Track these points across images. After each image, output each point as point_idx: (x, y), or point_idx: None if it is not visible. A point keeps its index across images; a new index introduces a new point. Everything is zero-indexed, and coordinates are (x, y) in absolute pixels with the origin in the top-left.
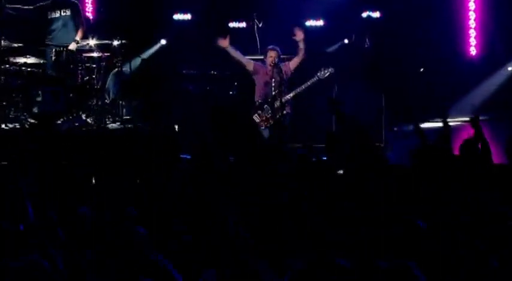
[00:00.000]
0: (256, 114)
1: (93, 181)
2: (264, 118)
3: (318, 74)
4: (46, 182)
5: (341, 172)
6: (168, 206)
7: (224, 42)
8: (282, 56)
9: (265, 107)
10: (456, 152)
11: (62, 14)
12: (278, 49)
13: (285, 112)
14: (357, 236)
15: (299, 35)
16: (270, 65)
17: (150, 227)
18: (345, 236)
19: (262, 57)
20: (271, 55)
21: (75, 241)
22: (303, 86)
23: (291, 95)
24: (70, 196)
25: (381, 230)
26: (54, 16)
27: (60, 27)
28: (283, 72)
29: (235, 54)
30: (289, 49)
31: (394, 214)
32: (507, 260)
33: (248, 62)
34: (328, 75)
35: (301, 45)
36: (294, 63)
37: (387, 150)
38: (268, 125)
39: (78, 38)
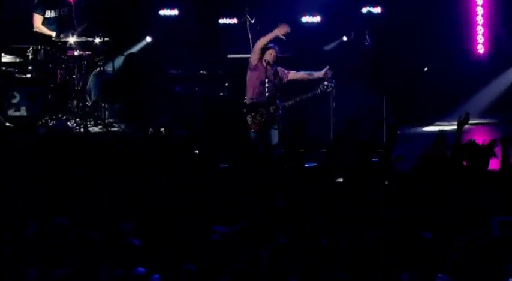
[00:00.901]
0: (249, 116)
1: (79, 188)
2: (257, 121)
3: (321, 87)
4: (25, 189)
5: (340, 180)
6: (164, 211)
7: (285, 29)
8: (279, 55)
9: (260, 110)
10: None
11: (62, 13)
12: (277, 48)
13: (278, 117)
14: (357, 236)
15: (326, 74)
16: (269, 64)
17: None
18: (345, 236)
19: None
20: (271, 53)
21: (50, 254)
22: (303, 97)
23: (290, 103)
24: (52, 204)
25: (381, 230)
26: (50, 15)
27: (56, 27)
28: (279, 77)
29: (270, 36)
30: (284, 47)
31: (394, 215)
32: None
33: (260, 56)
34: (330, 90)
35: (315, 76)
36: (292, 76)
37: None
38: (259, 129)
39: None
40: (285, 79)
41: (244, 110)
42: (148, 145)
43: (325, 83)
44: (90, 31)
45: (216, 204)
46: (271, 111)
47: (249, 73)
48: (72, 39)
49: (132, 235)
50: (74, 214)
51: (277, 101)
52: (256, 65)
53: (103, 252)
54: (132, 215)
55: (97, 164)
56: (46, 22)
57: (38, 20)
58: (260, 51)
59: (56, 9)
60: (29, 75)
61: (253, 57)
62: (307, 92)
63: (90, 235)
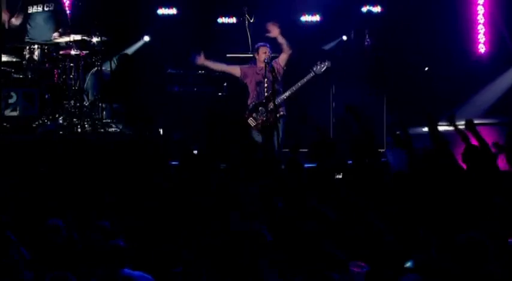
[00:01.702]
0: (251, 118)
1: (75, 190)
2: (259, 121)
3: (314, 69)
4: (21, 190)
5: (339, 176)
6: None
7: (200, 60)
8: (272, 55)
9: (260, 109)
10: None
11: (45, 9)
12: (268, 46)
13: (279, 114)
14: (357, 236)
15: (273, 31)
16: (263, 62)
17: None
18: (344, 236)
19: (252, 55)
20: (264, 51)
21: (43, 255)
22: (299, 84)
23: (287, 94)
24: (45, 206)
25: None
26: (34, 11)
27: (42, 24)
28: (276, 70)
29: (216, 66)
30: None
31: (394, 214)
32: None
33: (234, 68)
34: (325, 69)
35: (281, 40)
36: (282, 60)
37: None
38: (262, 128)
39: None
40: (281, 67)
41: (246, 114)
42: (146, 145)
43: (318, 62)
44: (87, 30)
45: (215, 204)
46: (271, 107)
47: (244, 81)
48: (69, 39)
49: (120, 236)
50: (70, 215)
51: (277, 95)
52: (241, 74)
53: (98, 253)
54: (129, 215)
55: (94, 164)
56: (30, 17)
57: (7, 14)
58: (228, 72)
59: (40, 4)
60: (25, 75)
61: (233, 73)
62: (301, 78)
63: (89, 236)
